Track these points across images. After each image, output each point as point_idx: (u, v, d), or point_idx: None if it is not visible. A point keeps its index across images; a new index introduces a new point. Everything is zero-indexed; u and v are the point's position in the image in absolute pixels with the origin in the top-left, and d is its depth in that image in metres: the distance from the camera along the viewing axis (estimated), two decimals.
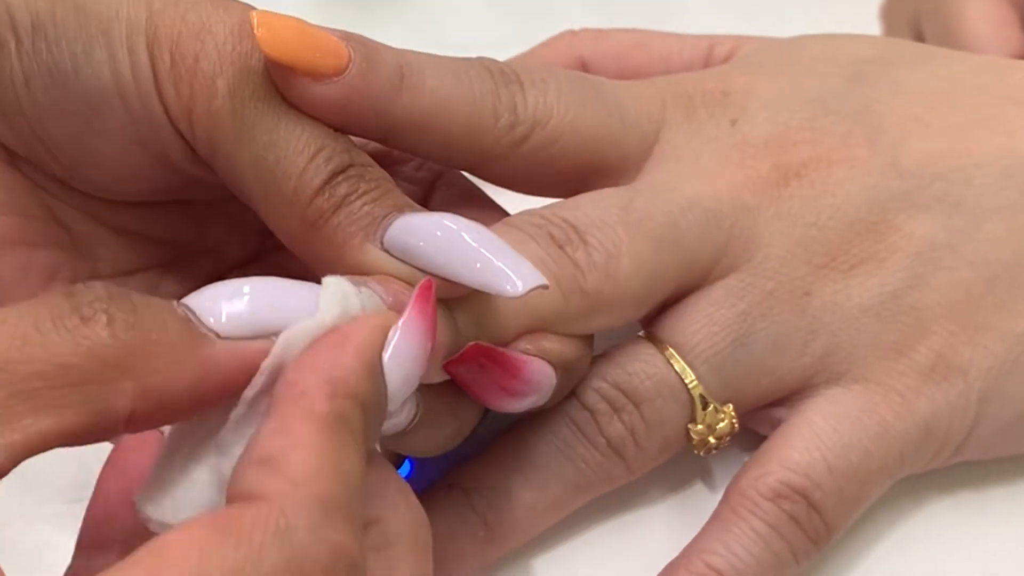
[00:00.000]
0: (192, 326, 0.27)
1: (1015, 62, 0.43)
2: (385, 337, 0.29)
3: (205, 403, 0.28)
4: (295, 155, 0.33)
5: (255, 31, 0.32)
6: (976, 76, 0.41)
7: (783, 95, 0.39)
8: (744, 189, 0.38)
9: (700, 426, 0.37)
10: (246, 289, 0.29)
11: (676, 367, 0.36)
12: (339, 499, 0.26)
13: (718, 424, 0.37)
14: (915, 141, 0.38)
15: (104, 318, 0.26)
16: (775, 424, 0.38)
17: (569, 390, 0.36)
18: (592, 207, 0.36)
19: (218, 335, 0.28)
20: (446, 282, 0.31)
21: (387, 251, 0.32)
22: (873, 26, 0.56)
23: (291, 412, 0.27)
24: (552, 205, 0.37)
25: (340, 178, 0.33)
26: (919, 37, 0.53)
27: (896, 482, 0.38)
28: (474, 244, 0.31)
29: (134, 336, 0.26)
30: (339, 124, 0.33)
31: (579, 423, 0.36)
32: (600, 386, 0.36)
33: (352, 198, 0.33)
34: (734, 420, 0.37)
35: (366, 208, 0.33)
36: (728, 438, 0.37)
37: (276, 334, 0.29)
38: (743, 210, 0.37)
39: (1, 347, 0.25)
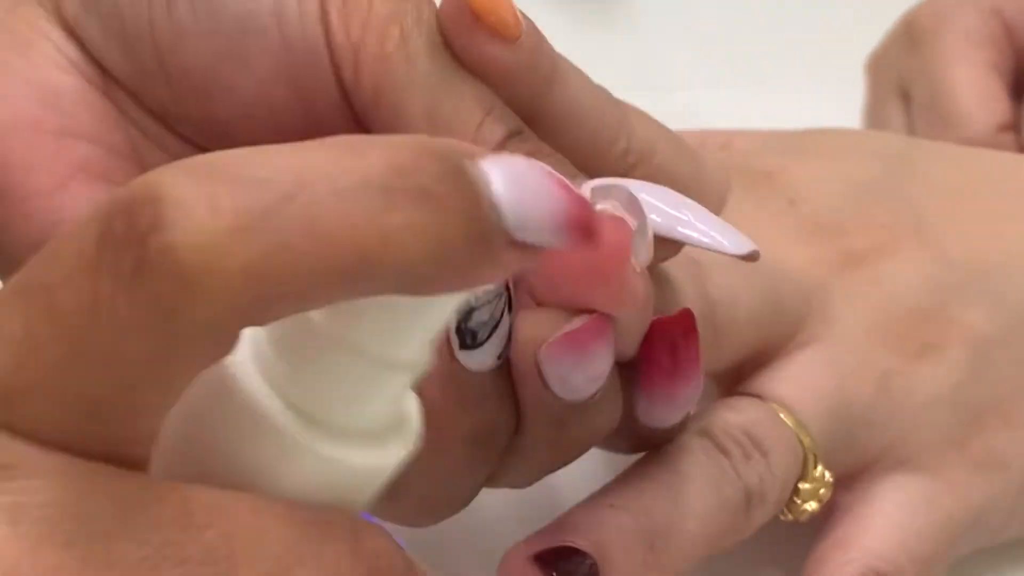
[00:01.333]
0: None
1: (1021, 158, 0.45)
2: None
3: None
4: (472, 106, 0.31)
5: None
6: (992, 172, 0.43)
7: (826, 180, 0.41)
8: (816, 266, 0.39)
9: (809, 485, 0.37)
10: None
11: (790, 422, 0.36)
12: None
13: (821, 488, 0.37)
14: (956, 235, 0.40)
15: None
16: (832, 506, 0.38)
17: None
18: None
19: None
20: (665, 242, 0.32)
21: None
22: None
23: None
24: None
25: (518, 139, 0.32)
26: (906, 99, 0.53)
27: None
28: (684, 202, 0.32)
29: None
30: (501, 92, 0.32)
31: (721, 465, 0.35)
32: (731, 431, 0.36)
33: (539, 157, 0.30)
34: (831, 487, 0.37)
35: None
36: (820, 507, 0.37)
37: None
38: (819, 286, 0.38)
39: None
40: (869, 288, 0.39)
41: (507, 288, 0.31)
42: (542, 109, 0.33)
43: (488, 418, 0.32)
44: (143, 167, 0.33)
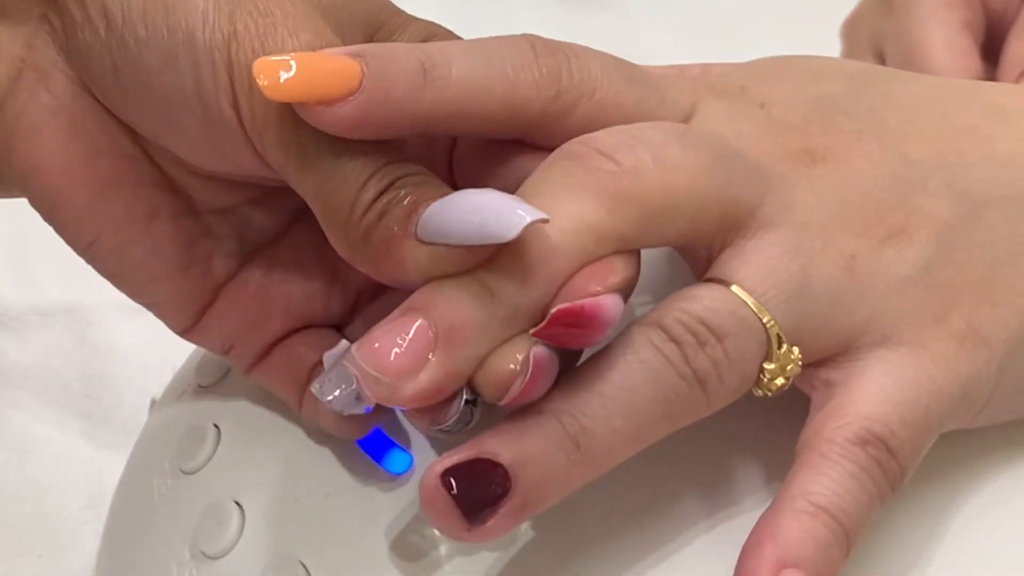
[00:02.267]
0: None
1: (982, 83, 0.46)
2: None
3: None
4: (349, 183, 0.34)
5: (257, 82, 0.33)
6: (952, 93, 0.44)
7: (795, 94, 0.42)
8: (780, 160, 0.39)
9: (773, 365, 0.38)
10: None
11: (752, 306, 0.37)
12: None
13: (788, 365, 0.38)
14: (917, 140, 0.41)
15: None
16: (821, 384, 0.39)
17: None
18: (650, 129, 0.38)
19: None
20: (472, 250, 0.33)
21: (421, 240, 0.34)
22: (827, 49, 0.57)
23: None
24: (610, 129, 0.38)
25: (385, 196, 0.34)
26: (880, 59, 0.54)
27: None
28: (469, 205, 0.33)
29: None
30: (368, 136, 0.35)
31: (667, 354, 0.36)
32: (684, 319, 0.36)
33: (391, 206, 0.34)
34: (799, 363, 0.38)
35: (403, 207, 0.34)
36: (790, 383, 0.38)
37: None
38: (779, 177, 0.39)
39: None
40: (832, 180, 0.40)
41: (464, 395, 0.34)
42: (426, 114, 0.35)
43: None
44: (158, 167, 0.39)
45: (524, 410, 0.35)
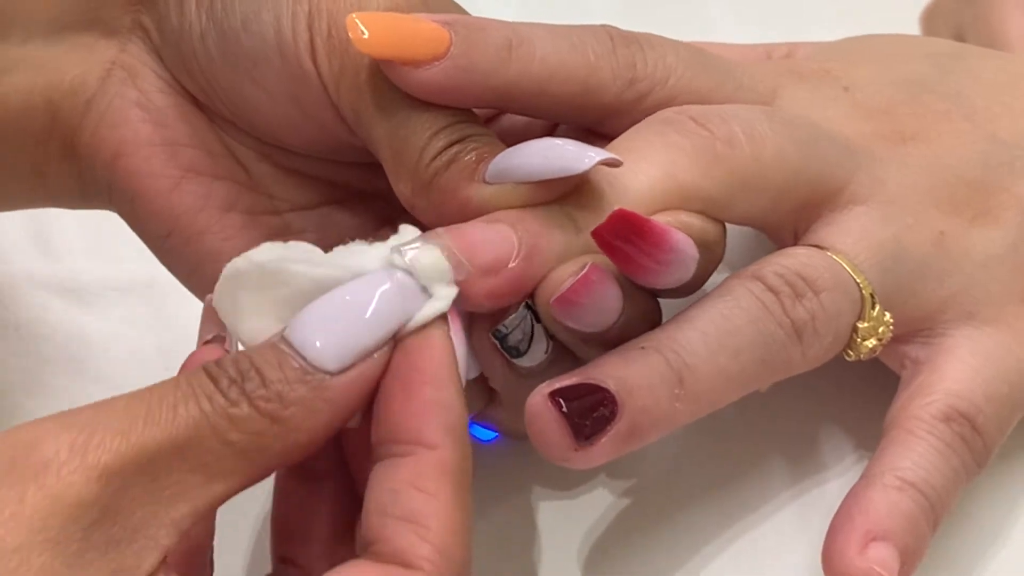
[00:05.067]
0: (311, 379, 0.31)
1: None
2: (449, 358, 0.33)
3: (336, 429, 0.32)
4: (421, 131, 0.36)
5: (351, 33, 0.35)
6: None
7: (881, 76, 0.42)
8: (869, 140, 0.40)
9: (866, 324, 0.38)
10: (336, 313, 0.32)
11: (847, 266, 0.38)
12: (468, 561, 0.31)
13: (880, 327, 0.38)
14: (1006, 120, 0.42)
15: (245, 402, 0.30)
16: (909, 362, 0.40)
17: (708, 275, 0.38)
18: (737, 108, 0.38)
19: (330, 373, 0.31)
20: (547, 184, 0.35)
21: (488, 182, 0.35)
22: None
23: (425, 467, 0.31)
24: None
25: (455, 146, 0.36)
26: None
27: None
28: (540, 146, 0.35)
29: (273, 408, 0.30)
30: (449, 102, 0.36)
31: (766, 302, 0.37)
32: (783, 272, 0.37)
33: (460, 154, 0.35)
34: (890, 328, 0.39)
35: (470, 156, 0.35)
36: (881, 347, 0.39)
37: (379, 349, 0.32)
38: (870, 156, 0.40)
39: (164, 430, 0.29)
40: (922, 159, 0.40)
41: (527, 306, 0.35)
42: (506, 89, 0.37)
43: None
44: (239, 163, 0.40)
45: (627, 346, 0.36)
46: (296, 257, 0.33)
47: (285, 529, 0.36)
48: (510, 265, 0.34)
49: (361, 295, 0.32)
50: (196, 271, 0.40)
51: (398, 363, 0.32)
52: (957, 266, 0.39)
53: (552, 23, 0.39)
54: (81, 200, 0.42)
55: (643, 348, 0.35)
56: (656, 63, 0.39)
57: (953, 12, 0.54)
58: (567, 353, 0.37)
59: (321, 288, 0.32)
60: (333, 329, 0.31)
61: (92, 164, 0.40)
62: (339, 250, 0.33)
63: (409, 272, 0.32)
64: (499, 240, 0.34)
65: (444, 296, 0.33)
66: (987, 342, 0.39)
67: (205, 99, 0.40)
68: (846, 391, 0.44)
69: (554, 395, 0.34)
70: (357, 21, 0.35)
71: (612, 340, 0.36)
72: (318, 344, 0.31)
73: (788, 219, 0.39)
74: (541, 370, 0.37)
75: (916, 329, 0.40)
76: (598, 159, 0.34)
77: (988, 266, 0.40)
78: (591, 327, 0.36)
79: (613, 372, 0.35)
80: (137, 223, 0.41)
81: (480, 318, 0.36)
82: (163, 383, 0.30)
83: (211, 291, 0.40)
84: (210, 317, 0.37)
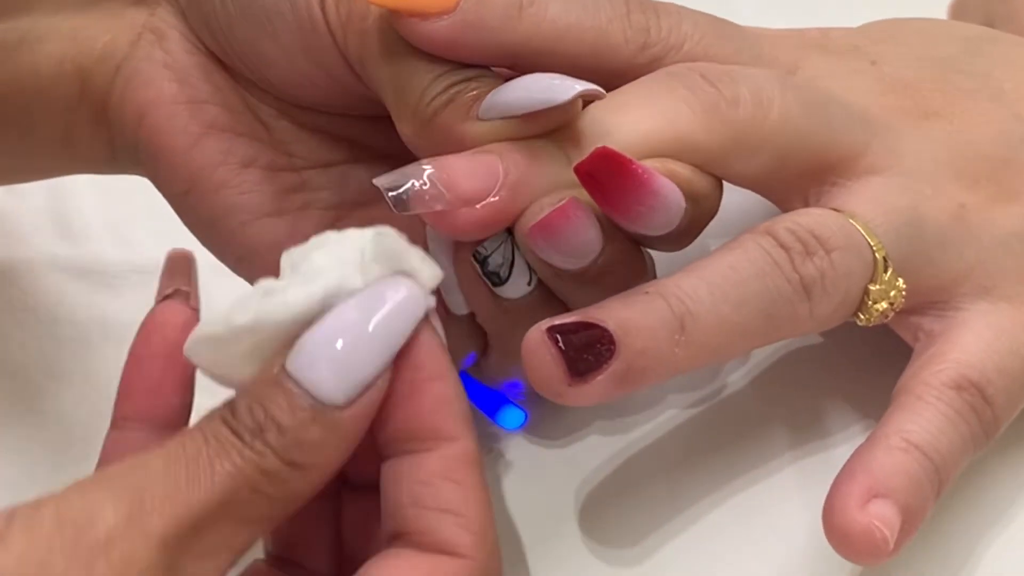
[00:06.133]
0: (324, 418, 0.31)
1: None
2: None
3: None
4: (423, 73, 0.36)
5: None
6: None
7: (909, 53, 0.42)
8: (891, 112, 0.40)
9: (878, 287, 0.38)
10: (339, 345, 0.31)
11: (861, 228, 0.38)
12: (498, 540, 0.32)
13: (891, 291, 0.38)
14: None
15: (270, 453, 0.30)
16: (918, 330, 0.40)
17: (700, 229, 0.38)
18: (750, 70, 0.38)
19: (339, 406, 0.31)
20: (533, 116, 0.35)
21: (481, 119, 0.36)
22: None
23: (452, 459, 0.32)
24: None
25: (454, 87, 0.36)
26: None
27: None
28: (528, 81, 0.35)
29: (293, 455, 0.31)
30: (456, 57, 0.36)
31: (776, 257, 0.37)
32: (795, 228, 0.37)
33: (459, 94, 0.36)
34: (903, 293, 0.38)
35: (469, 95, 0.36)
36: (893, 312, 0.38)
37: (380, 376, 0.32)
38: (888, 127, 0.39)
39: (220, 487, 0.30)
40: (944, 134, 0.40)
41: (508, 231, 0.36)
42: (515, 47, 0.37)
43: None
44: (260, 121, 0.41)
45: (631, 291, 0.36)
46: (266, 306, 0.31)
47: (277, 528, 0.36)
48: (492, 197, 0.35)
49: (357, 319, 0.31)
50: (213, 226, 0.41)
51: (396, 363, 0.32)
52: (976, 240, 0.39)
53: None
54: (110, 165, 0.42)
55: (647, 293, 0.36)
56: (671, 29, 0.39)
57: (982, 3, 0.53)
58: (553, 297, 0.37)
59: (301, 319, 0.31)
60: (336, 359, 0.31)
61: (121, 127, 0.41)
62: (292, 260, 0.32)
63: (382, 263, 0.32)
64: (483, 170, 0.35)
65: (428, 280, 0.32)
66: (1002, 318, 0.39)
67: (226, 58, 0.40)
68: (854, 363, 0.44)
69: (552, 330, 0.34)
70: None
71: (591, 281, 0.36)
72: (323, 377, 0.31)
73: (795, 185, 0.39)
74: (527, 307, 0.37)
75: (931, 300, 0.39)
76: (580, 90, 0.34)
77: (1008, 243, 0.39)
78: (568, 262, 0.36)
79: (614, 313, 0.35)
80: (159, 180, 0.41)
81: (463, 248, 0.37)
82: (189, 438, 0.31)
83: (227, 247, 0.41)
84: (173, 269, 0.37)
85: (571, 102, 0.35)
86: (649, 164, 0.35)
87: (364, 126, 0.41)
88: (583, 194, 0.35)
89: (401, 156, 0.39)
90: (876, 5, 0.57)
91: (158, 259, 0.50)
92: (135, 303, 0.49)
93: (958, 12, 0.55)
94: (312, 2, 0.38)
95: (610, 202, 0.35)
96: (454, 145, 0.36)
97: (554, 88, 0.35)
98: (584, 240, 0.35)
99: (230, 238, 0.41)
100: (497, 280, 0.36)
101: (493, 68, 0.37)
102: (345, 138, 0.42)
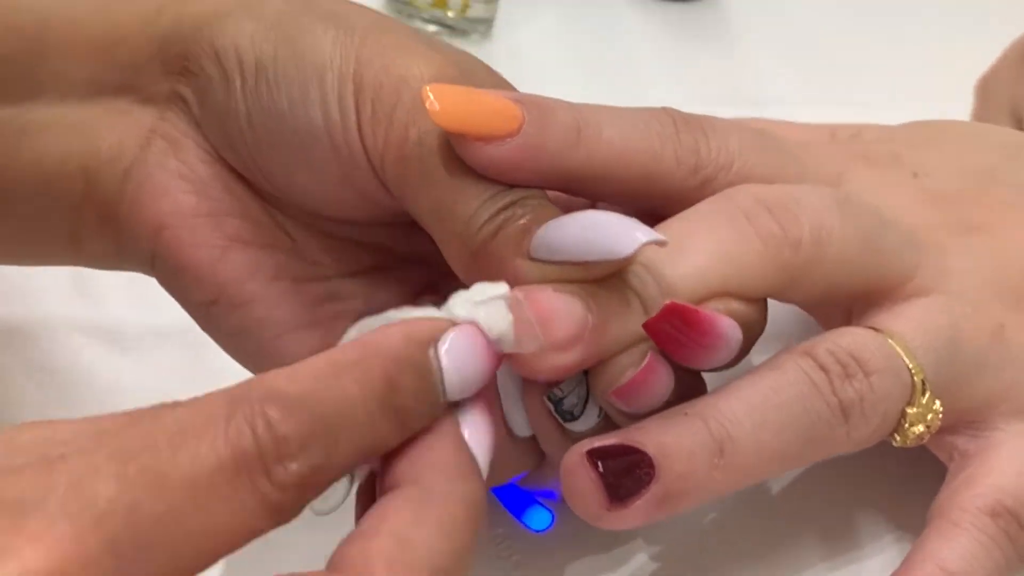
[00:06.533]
0: None
1: None
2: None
3: None
4: (468, 200, 0.35)
5: (425, 104, 0.35)
6: None
7: (951, 164, 0.42)
8: (935, 230, 0.40)
9: (915, 410, 0.38)
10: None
11: (901, 351, 0.38)
12: None
13: (928, 415, 0.38)
14: None
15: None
16: (952, 450, 0.40)
17: (749, 350, 0.38)
18: (809, 194, 0.38)
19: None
20: (594, 265, 0.34)
21: (534, 259, 0.35)
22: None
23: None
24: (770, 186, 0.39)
25: (502, 214, 0.35)
26: (1018, 124, 0.53)
27: None
28: (585, 222, 0.34)
29: None
30: (516, 180, 0.36)
31: (815, 380, 0.37)
32: (835, 350, 0.37)
33: (508, 224, 0.35)
34: (939, 416, 0.38)
35: (519, 224, 0.35)
36: (929, 435, 0.38)
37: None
38: (935, 245, 0.39)
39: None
40: (987, 250, 0.40)
41: (585, 372, 0.35)
42: (573, 172, 0.36)
43: None
44: (284, 232, 0.40)
45: (672, 411, 0.36)
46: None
47: None
48: (576, 346, 0.34)
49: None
50: (241, 338, 0.40)
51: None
52: (1014, 360, 0.39)
53: (613, 105, 0.38)
54: (119, 264, 0.41)
55: (686, 414, 0.35)
56: (719, 148, 0.38)
57: (1010, 85, 0.53)
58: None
59: None
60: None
61: (133, 235, 0.40)
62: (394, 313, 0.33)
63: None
64: (574, 316, 0.34)
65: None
66: None
67: (248, 174, 0.40)
68: (885, 474, 0.44)
69: (592, 454, 0.34)
70: (430, 93, 0.35)
71: (657, 410, 0.36)
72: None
73: (840, 305, 0.39)
74: (592, 432, 0.37)
75: (966, 420, 0.39)
76: (643, 241, 0.33)
77: None
78: (643, 410, 0.36)
79: (654, 436, 0.35)
80: (179, 290, 0.40)
81: (536, 385, 0.36)
82: None
83: (256, 358, 0.39)
84: None
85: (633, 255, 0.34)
86: (713, 307, 0.35)
87: (391, 231, 0.41)
88: (651, 344, 0.35)
89: (429, 261, 0.39)
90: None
91: (175, 322, 0.50)
92: (152, 366, 0.49)
93: (984, 91, 0.55)
94: (350, 126, 0.37)
95: (681, 351, 0.35)
96: (508, 279, 0.35)
97: (616, 238, 0.33)
98: (661, 392, 0.36)
99: (259, 350, 0.40)
100: (570, 418, 0.36)
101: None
102: (371, 245, 0.41)
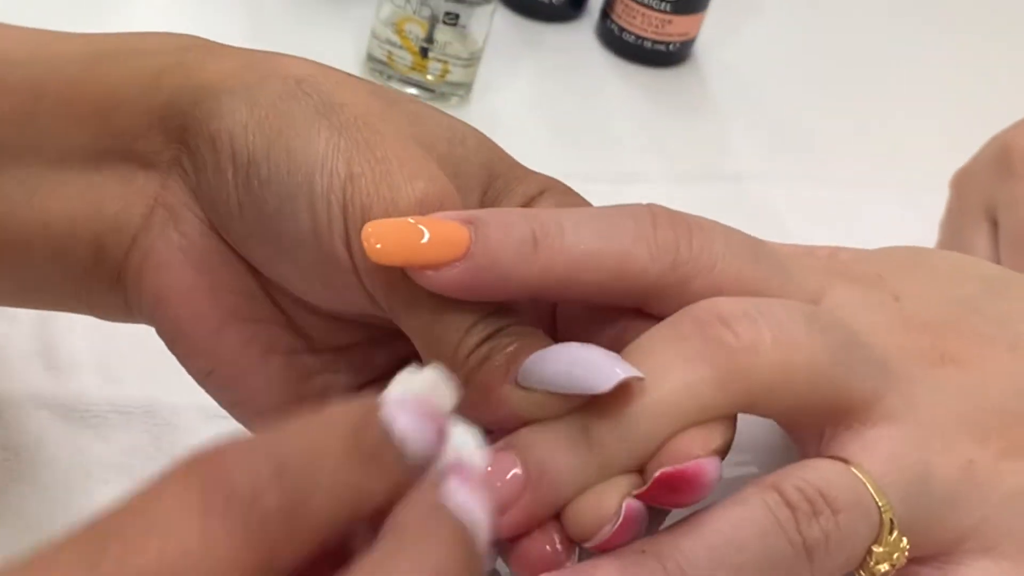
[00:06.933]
0: None
1: None
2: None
3: None
4: (452, 329, 0.36)
5: (364, 245, 0.35)
6: None
7: (932, 291, 0.42)
8: (908, 357, 0.40)
9: (882, 549, 0.37)
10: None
11: (871, 487, 0.37)
12: None
13: (895, 553, 0.38)
14: None
15: None
16: None
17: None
18: (778, 303, 0.38)
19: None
20: (567, 397, 0.35)
21: (520, 387, 0.35)
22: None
23: None
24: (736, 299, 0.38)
25: (488, 343, 0.36)
26: (992, 224, 0.53)
27: None
28: (568, 357, 0.35)
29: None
30: (475, 299, 0.36)
31: (780, 517, 0.36)
32: (803, 486, 0.36)
33: (494, 353, 0.36)
34: (906, 554, 0.38)
35: (506, 353, 0.36)
36: (894, 572, 0.38)
37: None
38: (904, 376, 0.39)
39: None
40: (958, 383, 0.40)
41: None
42: (533, 281, 0.36)
43: None
44: (277, 307, 0.41)
45: (626, 549, 0.35)
46: None
47: None
48: (520, 500, 0.35)
49: None
50: (238, 405, 0.41)
51: None
52: (983, 497, 0.39)
53: (595, 205, 0.38)
54: (128, 319, 0.42)
55: (643, 552, 0.35)
56: (702, 248, 0.38)
57: (987, 185, 0.53)
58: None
59: None
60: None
61: (139, 301, 0.41)
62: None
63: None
64: (508, 478, 0.35)
65: None
66: None
67: (242, 253, 0.40)
68: None
69: None
70: (371, 235, 0.35)
71: None
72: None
73: (811, 423, 0.39)
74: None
75: (933, 554, 0.39)
76: (623, 377, 0.34)
77: (1014, 501, 0.39)
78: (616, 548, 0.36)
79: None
80: (178, 357, 0.41)
81: None
82: None
83: (252, 423, 0.41)
84: None
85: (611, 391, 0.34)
86: (690, 447, 0.35)
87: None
88: (624, 491, 0.35)
89: None
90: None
91: (141, 400, 0.50)
92: (117, 444, 0.48)
93: (959, 187, 0.55)
94: (337, 240, 0.37)
95: (668, 504, 0.35)
96: (494, 407, 0.36)
97: (593, 373, 0.34)
98: (638, 534, 0.36)
99: (257, 417, 0.41)
100: None
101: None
102: (364, 322, 0.41)
